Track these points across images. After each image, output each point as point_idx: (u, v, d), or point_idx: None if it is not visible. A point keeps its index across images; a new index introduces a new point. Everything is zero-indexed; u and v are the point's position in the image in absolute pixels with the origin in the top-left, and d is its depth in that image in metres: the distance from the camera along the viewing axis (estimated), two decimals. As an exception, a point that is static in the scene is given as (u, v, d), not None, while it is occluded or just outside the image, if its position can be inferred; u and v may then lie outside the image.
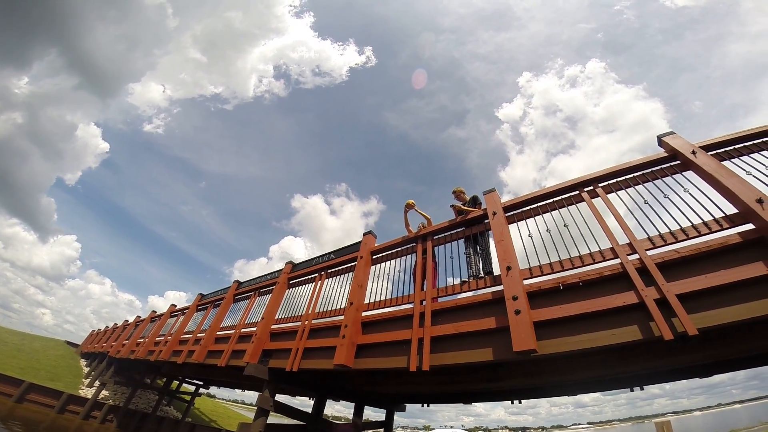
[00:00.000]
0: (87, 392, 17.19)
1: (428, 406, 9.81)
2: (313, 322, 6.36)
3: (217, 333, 8.47)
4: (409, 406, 10.43)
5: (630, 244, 3.73)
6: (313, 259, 7.70)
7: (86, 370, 20.15)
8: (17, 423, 12.80)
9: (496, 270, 4.50)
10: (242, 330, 7.74)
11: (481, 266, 5.02)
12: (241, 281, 9.87)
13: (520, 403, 8.74)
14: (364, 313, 5.54)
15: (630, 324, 3.26)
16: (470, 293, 4.63)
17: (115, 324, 20.28)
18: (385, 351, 5.04)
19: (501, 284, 4.19)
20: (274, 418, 7.21)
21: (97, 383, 16.78)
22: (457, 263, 4.93)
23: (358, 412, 9.07)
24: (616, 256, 3.73)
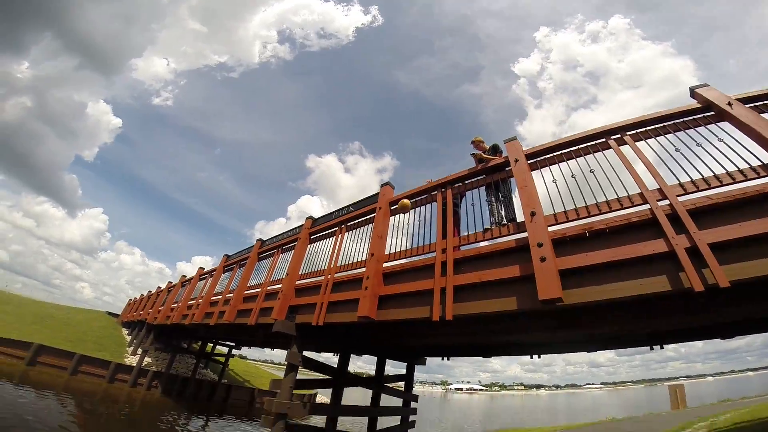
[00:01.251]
0: (131, 360, 18.39)
1: (448, 359, 10.12)
2: (335, 275, 6.50)
3: (245, 292, 8.81)
4: (428, 360, 10.75)
5: (660, 190, 3.55)
6: (333, 212, 7.77)
7: (128, 338, 21.46)
8: (69, 395, 13.42)
9: (519, 217, 4.41)
10: (268, 288, 8.02)
11: (503, 213, 4.94)
12: (264, 239, 10.12)
13: (539, 358, 8.88)
14: (385, 264, 5.60)
15: (658, 274, 3.14)
16: (492, 241, 4.59)
17: (149, 291, 21.44)
18: (407, 302, 5.12)
19: (525, 231, 4.11)
20: (302, 375, 7.58)
21: (139, 351, 17.93)
22: (479, 211, 4.86)
23: (380, 366, 9.42)
24: (645, 202, 3.57)
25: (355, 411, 8.98)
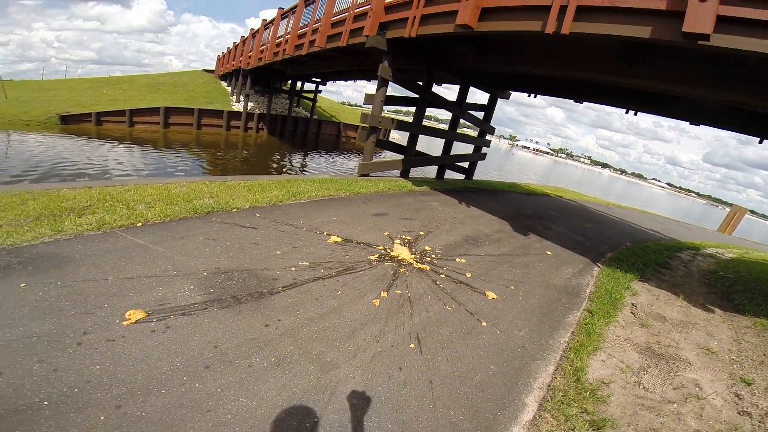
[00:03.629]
0: (238, 107, 20.96)
1: (535, 97, 10.33)
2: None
3: (332, 19, 8.94)
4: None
5: None
6: None
7: (228, 89, 24.12)
8: (201, 149, 15.45)
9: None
10: (356, 10, 8.01)
11: None
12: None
13: (635, 114, 8.65)
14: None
15: None
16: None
17: (234, 42, 22.39)
18: (515, 15, 5.01)
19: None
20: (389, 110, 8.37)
21: (242, 98, 20.42)
22: None
23: (463, 92, 10.06)
24: None
25: (434, 132, 10.40)
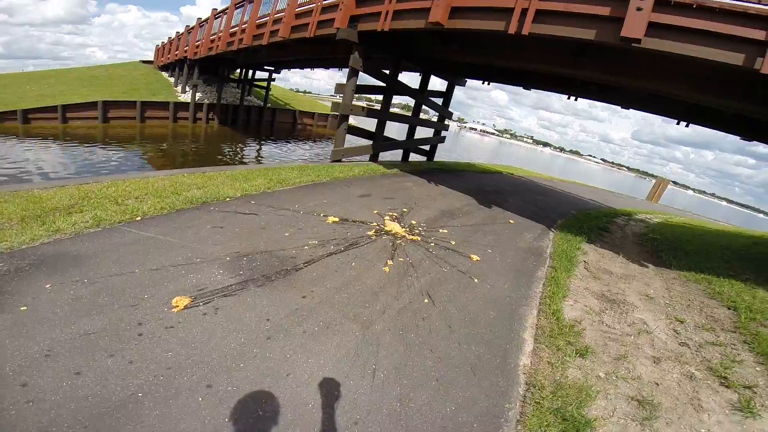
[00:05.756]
0: (185, 98, 19.69)
1: (488, 84, 11.03)
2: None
3: (296, 10, 8.92)
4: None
5: None
6: None
7: (171, 80, 22.51)
8: (146, 142, 14.74)
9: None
10: (324, 2, 8.08)
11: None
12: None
13: (576, 100, 9.53)
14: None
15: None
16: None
17: (177, 32, 20.99)
18: (482, 15, 5.60)
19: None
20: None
21: (188, 89, 19.25)
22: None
23: (425, 80, 10.56)
24: None
25: (400, 118, 10.86)
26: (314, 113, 26.96)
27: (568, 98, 9.63)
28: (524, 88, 9.93)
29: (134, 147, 13.84)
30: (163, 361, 1.90)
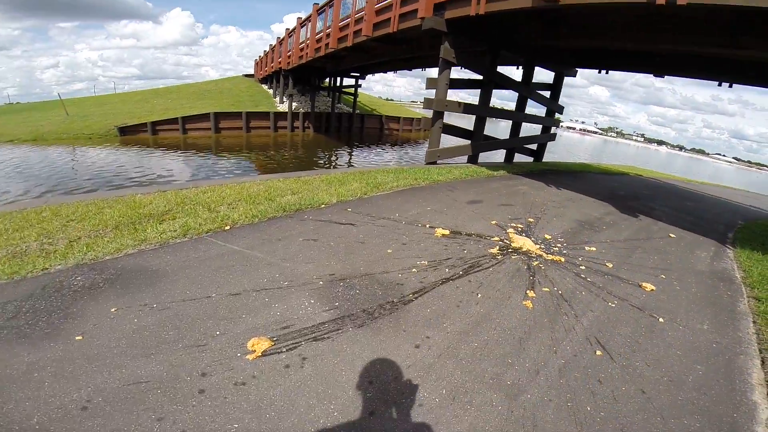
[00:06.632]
0: (282, 108, 20.90)
1: (607, 72, 9.27)
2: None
3: (376, 6, 8.37)
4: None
5: None
6: None
7: (270, 92, 24.28)
8: (250, 151, 15.41)
9: None
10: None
11: None
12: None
13: (730, 86, 7.82)
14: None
15: None
16: None
17: (271, 44, 22.42)
18: None
19: None
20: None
21: (285, 98, 20.39)
22: None
23: (528, 72, 9.11)
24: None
25: (501, 113, 9.57)
26: (399, 117, 26.71)
27: (719, 85, 7.95)
28: (654, 75, 8.34)
29: (242, 155, 14.68)
30: (225, 436, 1.31)
